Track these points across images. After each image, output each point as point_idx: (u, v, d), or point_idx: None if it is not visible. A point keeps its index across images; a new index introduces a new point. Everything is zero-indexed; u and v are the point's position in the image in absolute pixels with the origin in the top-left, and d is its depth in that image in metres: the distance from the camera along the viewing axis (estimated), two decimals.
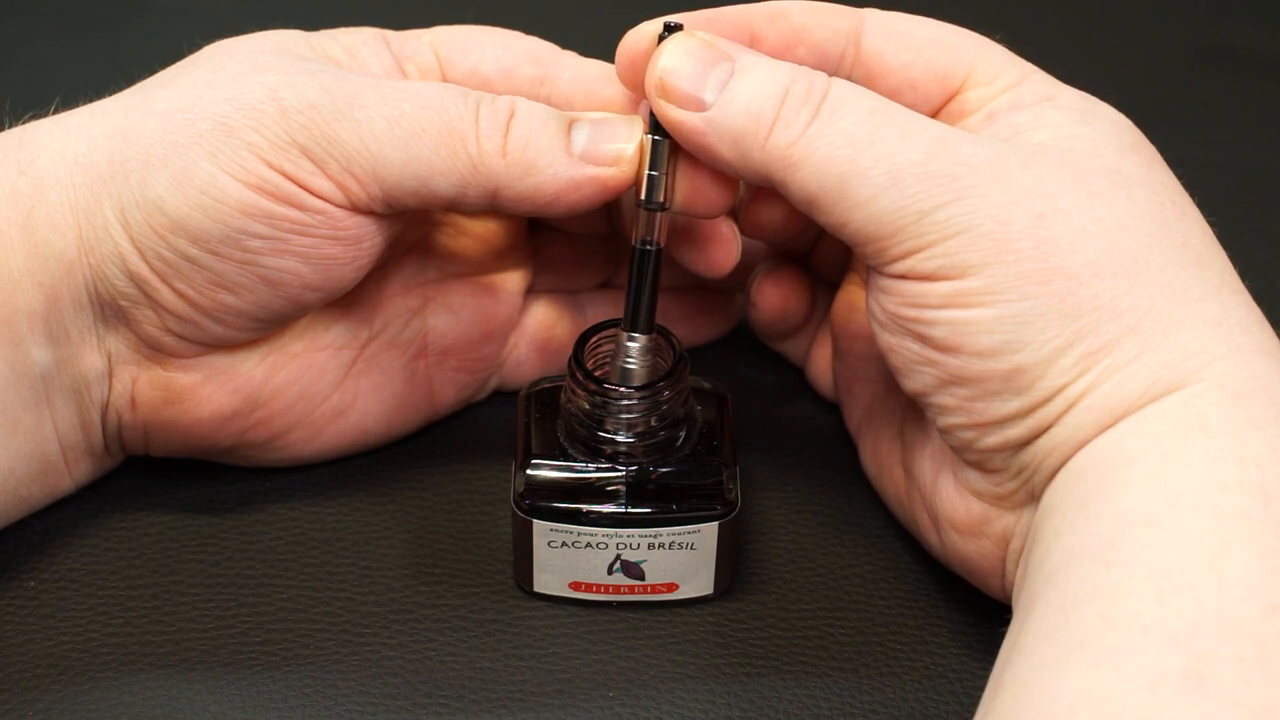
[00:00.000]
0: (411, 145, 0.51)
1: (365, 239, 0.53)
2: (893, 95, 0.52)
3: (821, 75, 0.49)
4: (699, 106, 0.49)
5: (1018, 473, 0.48)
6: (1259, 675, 0.41)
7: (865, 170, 0.47)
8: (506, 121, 0.52)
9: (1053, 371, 0.47)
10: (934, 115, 0.52)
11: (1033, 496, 0.48)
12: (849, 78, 0.52)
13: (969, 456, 0.50)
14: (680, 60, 0.50)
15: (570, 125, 0.52)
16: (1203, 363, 0.46)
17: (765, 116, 0.49)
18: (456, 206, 0.53)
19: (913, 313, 0.48)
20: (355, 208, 0.52)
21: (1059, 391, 0.47)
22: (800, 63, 0.52)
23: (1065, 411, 0.47)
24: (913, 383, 0.49)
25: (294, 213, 0.51)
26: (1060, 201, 0.47)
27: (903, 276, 0.48)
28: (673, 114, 0.50)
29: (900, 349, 0.49)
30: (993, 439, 0.48)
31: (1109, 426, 0.46)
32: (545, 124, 0.52)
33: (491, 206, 0.53)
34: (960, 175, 0.47)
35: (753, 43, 0.52)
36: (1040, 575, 0.45)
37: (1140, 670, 0.41)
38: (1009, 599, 0.49)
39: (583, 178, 0.52)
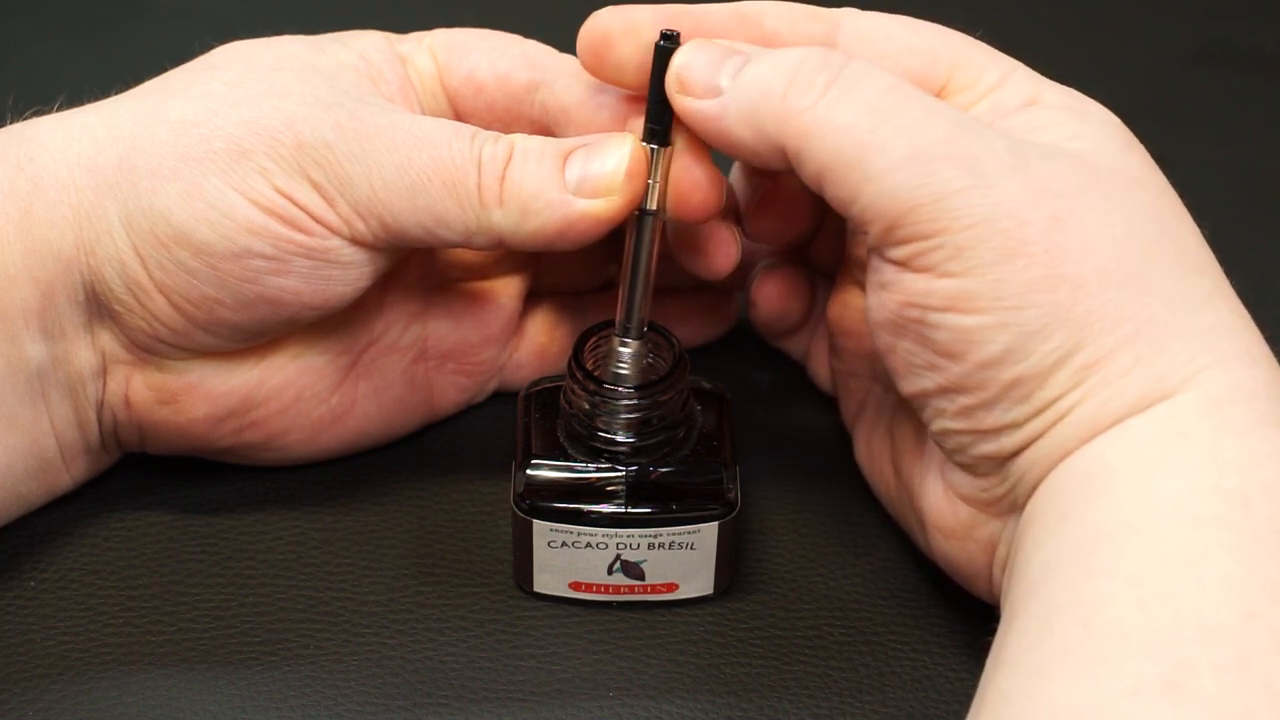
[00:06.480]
0: (418, 196, 0.51)
1: (368, 264, 0.53)
2: None
3: (839, 53, 0.48)
4: (715, 94, 0.49)
5: (1005, 479, 0.48)
6: (1238, 682, 0.41)
7: (885, 142, 0.46)
8: (504, 167, 0.52)
9: (1051, 383, 0.46)
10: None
11: (1017, 505, 0.48)
12: None
13: (960, 460, 0.49)
14: (695, 56, 0.50)
15: (566, 158, 0.52)
16: (1190, 372, 0.45)
17: (778, 86, 0.48)
18: (467, 247, 0.53)
19: (915, 313, 0.47)
20: (360, 243, 0.52)
21: (1053, 403, 0.46)
22: None
23: (1055, 423, 0.46)
24: (910, 385, 0.49)
25: (300, 237, 0.52)
26: (1076, 203, 0.46)
27: (904, 264, 0.47)
28: (689, 105, 0.50)
29: (899, 351, 0.49)
30: (987, 446, 0.48)
31: (1092, 438, 0.46)
32: (540, 163, 0.52)
33: (501, 247, 0.53)
34: (983, 160, 0.46)
35: None
36: (1022, 586, 0.45)
37: (1120, 679, 0.41)
38: (996, 602, 0.49)
39: (576, 215, 0.52)
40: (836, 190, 0.47)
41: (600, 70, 0.52)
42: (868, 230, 0.48)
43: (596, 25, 0.51)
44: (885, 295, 0.48)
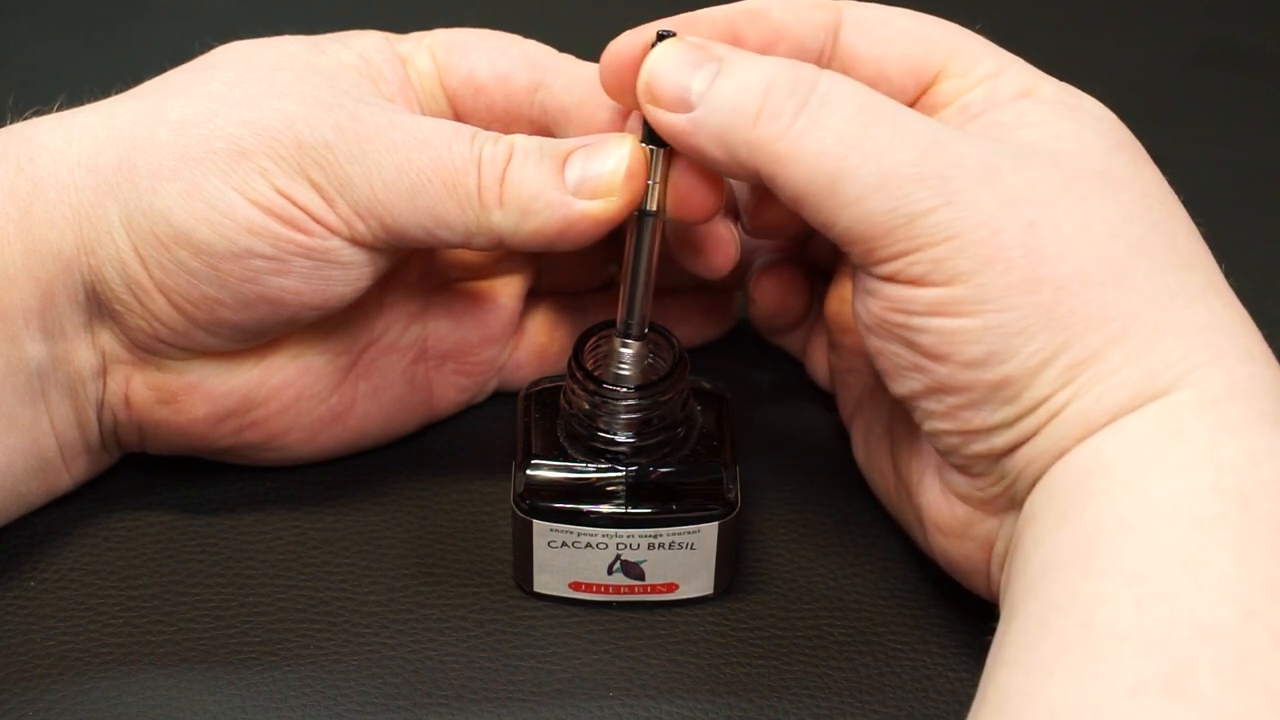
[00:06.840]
0: (418, 197, 0.51)
1: (368, 264, 0.53)
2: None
3: (811, 68, 0.48)
4: (685, 107, 0.49)
5: (1000, 479, 0.48)
6: (1237, 681, 0.41)
7: (855, 169, 0.47)
8: (504, 168, 0.52)
9: (1038, 382, 0.46)
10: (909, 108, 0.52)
11: (1015, 503, 0.48)
12: None
13: (954, 460, 0.49)
14: (665, 63, 0.49)
15: (566, 158, 0.52)
16: (1184, 370, 0.46)
17: (749, 110, 0.48)
18: (467, 247, 0.53)
19: (900, 318, 0.48)
20: (360, 243, 0.52)
21: (1043, 402, 0.46)
22: None
23: (1048, 422, 0.46)
24: (900, 387, 0.49)
25: (300, 237, 0.52)
26: (1051, 208, 0.47)
27: (889, 279, 0.48)
28: (660, 117, 0.49)
29: (887, 353, 0.49)
30: (978, 446, 0.48)
31: (1089, 436, 0.46)
32: (539, 164, 0.52)
33: (501, 248, 0.53)
34: (952, 177, 0.46)
35: (734, 43, 0.51)
36: (1021, 583, 0.45)
37: (1118, 678, 0.41)
38: (995, 598, 0.50)
39: (576, 215, 0.52)
40: (813, 215, 0.48)
41: (622, 93, 0.52)
42: (849, 250, 0.48)
43: (618, 51, 0.51)
44: (871, 301, 0.49)
